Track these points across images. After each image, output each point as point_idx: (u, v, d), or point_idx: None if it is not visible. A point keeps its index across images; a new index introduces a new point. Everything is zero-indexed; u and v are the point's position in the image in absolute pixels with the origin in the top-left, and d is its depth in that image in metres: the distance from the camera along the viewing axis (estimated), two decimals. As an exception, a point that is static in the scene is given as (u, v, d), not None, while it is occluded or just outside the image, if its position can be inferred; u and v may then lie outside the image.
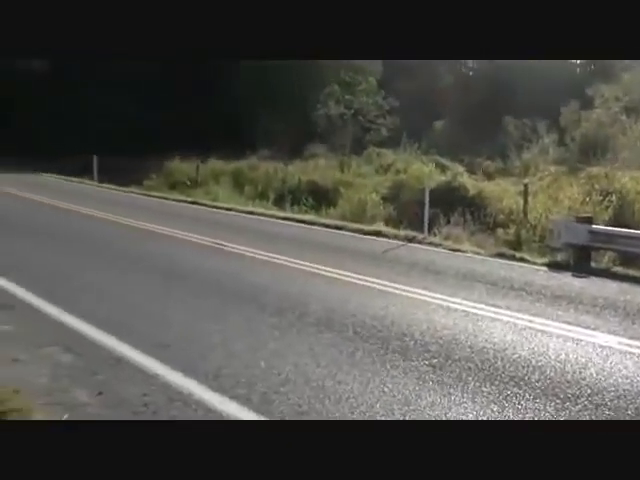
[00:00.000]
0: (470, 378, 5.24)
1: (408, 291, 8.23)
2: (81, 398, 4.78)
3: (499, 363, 5.61)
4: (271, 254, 10.47)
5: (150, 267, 9.52)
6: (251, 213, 16.88)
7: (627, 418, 4.59)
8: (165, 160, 26.11)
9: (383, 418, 4.46)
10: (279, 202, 19.44)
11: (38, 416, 4.30)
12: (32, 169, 31.58)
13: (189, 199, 19.85)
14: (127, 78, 34.54)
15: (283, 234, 13.41)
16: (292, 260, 9.98)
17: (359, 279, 8.87)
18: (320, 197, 19.41)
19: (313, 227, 14.63)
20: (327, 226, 14.62)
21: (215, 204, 18.80)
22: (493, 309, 7.47)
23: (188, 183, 23.23)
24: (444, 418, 4.50)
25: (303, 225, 14.90)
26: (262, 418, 4.44)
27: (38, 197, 19.02)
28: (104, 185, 24.57)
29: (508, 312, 7.34)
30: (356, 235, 13.47)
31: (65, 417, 4.41)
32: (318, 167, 25.04)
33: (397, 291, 8.25)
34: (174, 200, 20.06)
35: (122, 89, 34.98)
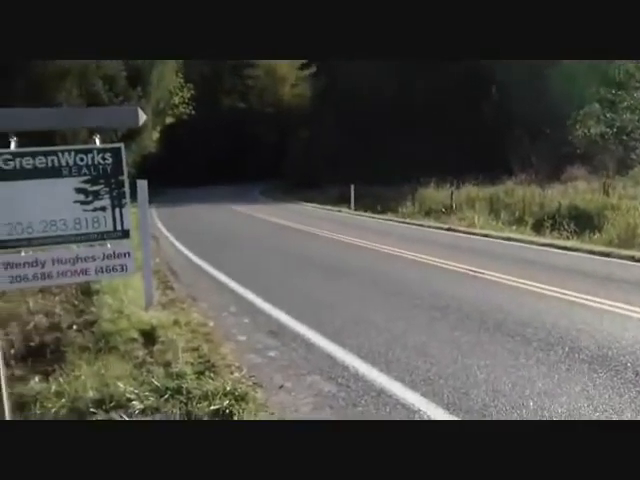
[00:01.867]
0: None
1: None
2: (344, 430, 4.76)
3: None
4: (532, 282, 9.95)
5: (410, 295, 9.44)
6: (508, 239, 16.31)
7: None
8: (419, 187, 26.35)
9: None
10: (537, 228, 18.60)
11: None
12: (290, 197, 33.71)
13: (444, 226, 19.74)
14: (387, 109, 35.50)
15: (542, 261, 12.71)
16: (556, 290, 9.39)
17: (634, 312, 8.08)
18: (582, 222, 18.25)
19: (576, 254, 13.73)
20: (592, 252, 13.65)
21: (470, 230, 18.48)
22: None
23: (443, 210, 23.16)
24: None
25: (565, 252, 14.05)
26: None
27: (303, 226, 20.06)
28: (361, 213, 25.34)
29: None
30: (626, 262, 12.40)
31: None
32: (578, 190, 23.74)
33: (682, 328, 7.37)
34: (429, 227, 20.06)
35: (382, 118, 35.98)
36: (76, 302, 8.51)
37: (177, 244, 16.28)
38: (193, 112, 34.09)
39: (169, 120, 28.01)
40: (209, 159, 52.73)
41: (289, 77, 61.49)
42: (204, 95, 48.28)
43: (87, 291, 8.89)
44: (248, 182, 48.77)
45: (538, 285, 9.78)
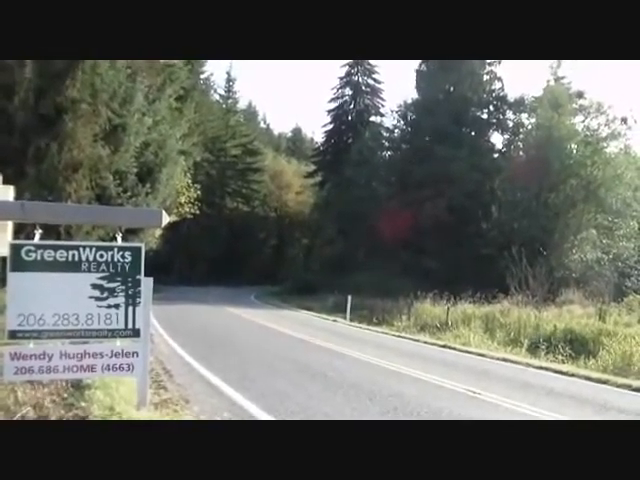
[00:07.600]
0: None
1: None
2: None
3: None
4: (531, 407, 9.92)
5: (407, 414, 9.33)
6: (504, 360, 16.29)
7: None
8: (415, 301, 26.47)
9: None
10: (533, 350, 18.57)
11: None
12: (286, 303, 33.78)
13: (439, 342, 19.74)
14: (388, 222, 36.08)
15: (539, 385, 12.61)
16: (555, 417, 9.32)
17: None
18: (577, 346, 18.25)
19: (572, 379, 13.70)
20: (588, 378, 13.62)
21: (466, 349, 18.48)
22: None
23: (438, 325, 23.20)
24: None
25: (560, 376, 14.02)
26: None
27: (300, 335, 20.07)
28: (356, 324, 25.43)
29: None
30: (622, 391, 12.37)
31: None
32: (574, 314, 23.82)
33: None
34: (425, 343, 20.07)
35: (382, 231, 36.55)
36: (65, 395, 8.39)
37: (172, 343, 16.19)
38: (198, 212, 34.74)
39: (173, 218, 28.46)
40: (208, 258, 53.15)
41: (294, 184, 62.84)
42: (209, 196, 49.19)
43: (78, 384, 8.77)
44: (244, 284, 48.89)
45: (534, 409, 9.79)
